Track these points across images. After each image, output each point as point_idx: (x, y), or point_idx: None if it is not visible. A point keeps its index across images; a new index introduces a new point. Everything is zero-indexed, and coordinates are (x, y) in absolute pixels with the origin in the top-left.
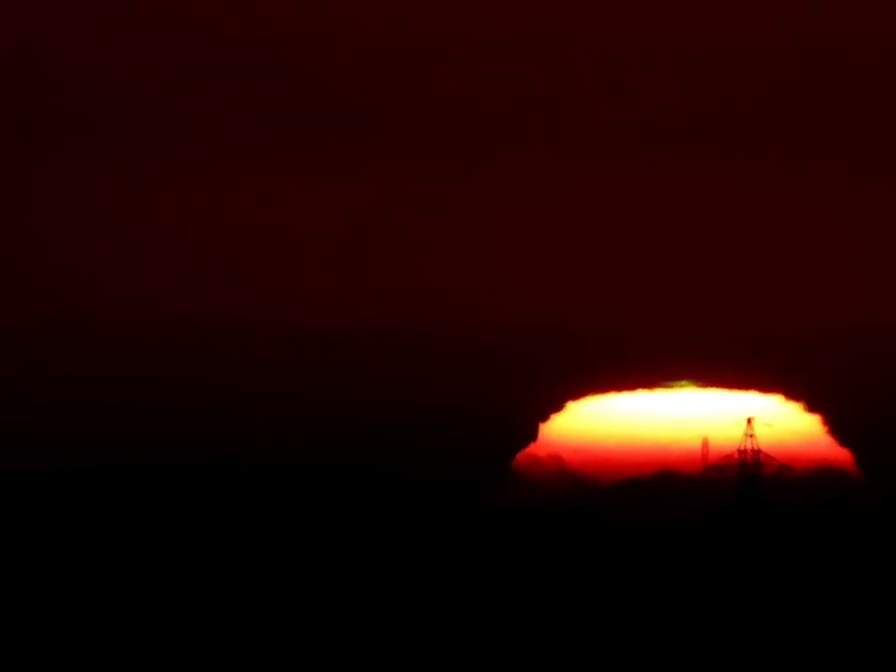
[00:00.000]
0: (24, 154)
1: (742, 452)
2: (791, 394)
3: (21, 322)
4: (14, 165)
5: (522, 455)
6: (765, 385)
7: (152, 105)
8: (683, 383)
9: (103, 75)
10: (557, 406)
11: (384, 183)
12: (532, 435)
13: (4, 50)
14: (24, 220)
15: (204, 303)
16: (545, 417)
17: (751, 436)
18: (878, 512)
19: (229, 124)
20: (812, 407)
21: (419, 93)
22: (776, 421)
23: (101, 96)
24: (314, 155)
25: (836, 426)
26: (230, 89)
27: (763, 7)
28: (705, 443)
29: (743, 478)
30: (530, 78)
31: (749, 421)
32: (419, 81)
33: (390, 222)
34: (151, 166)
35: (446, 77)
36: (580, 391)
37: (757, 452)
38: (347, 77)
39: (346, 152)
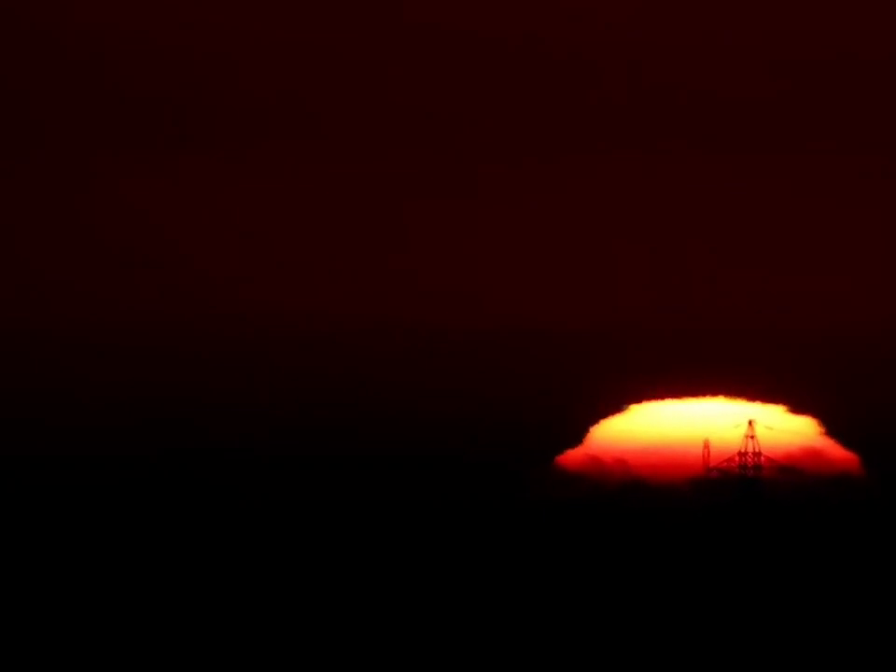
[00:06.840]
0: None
1: (743, 454)
2: (793, 396)
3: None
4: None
5: (569, 454)
6: (766, 387)
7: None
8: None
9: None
10: (616, 408)
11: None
12: (580, 437)
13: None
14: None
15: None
16: (598, 420)
17: (752, 437)
18: (881, 515)
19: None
20: (813, 409)
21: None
22: (776, 423)
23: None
24: None
25: (838, 428)
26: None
27: None
28: (706, 446)
29: (743, 480)
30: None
31: (749, 423)
32: None
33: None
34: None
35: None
36: (639, 393)
37: (758, 454)
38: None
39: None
